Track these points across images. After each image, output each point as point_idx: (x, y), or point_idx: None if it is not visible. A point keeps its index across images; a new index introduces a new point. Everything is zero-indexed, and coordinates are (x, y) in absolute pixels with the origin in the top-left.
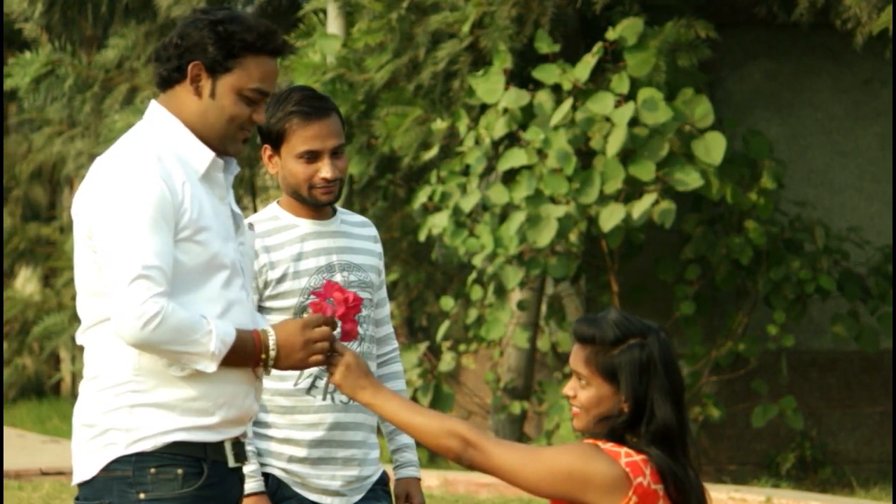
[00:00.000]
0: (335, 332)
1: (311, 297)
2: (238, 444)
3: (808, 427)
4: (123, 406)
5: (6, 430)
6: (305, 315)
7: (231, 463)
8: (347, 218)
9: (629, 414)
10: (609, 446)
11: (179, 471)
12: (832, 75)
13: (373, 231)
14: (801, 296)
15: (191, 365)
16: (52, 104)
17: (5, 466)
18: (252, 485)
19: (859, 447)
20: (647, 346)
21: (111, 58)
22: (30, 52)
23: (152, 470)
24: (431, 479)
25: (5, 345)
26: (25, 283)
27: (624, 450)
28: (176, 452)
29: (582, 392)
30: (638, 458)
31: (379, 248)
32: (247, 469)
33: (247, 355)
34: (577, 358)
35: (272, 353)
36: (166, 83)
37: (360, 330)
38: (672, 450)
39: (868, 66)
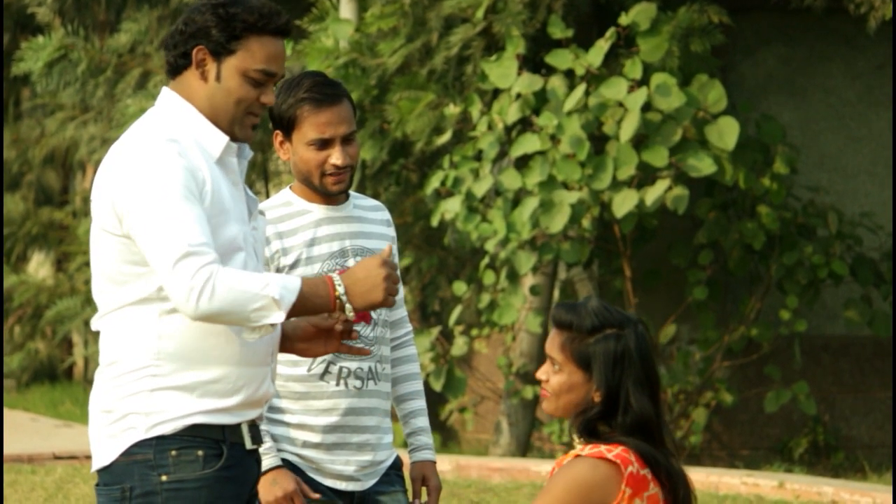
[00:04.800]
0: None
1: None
2: (254, 427)
3: (821, 412)
4: (143, 390)
5: (20, 414)
6: None
7: (248, 445)
8: (360, 202)
9: (602, 405)
10: (588, 450)
11: (200, 452)
12: (845, 60)
13: (386, 215)
14: (813, 281)
15: (262, 320)
16: (64, 89)
17: (19, 450)
18: (269, 460)
19: (872, 432)
20: (623, 338)
21: (124, 42)
22: (43, 36)
23: (173, 452)
24: (444, 464)
25: (17, 329)
26: (38, 267)
27: (603, 447)
28: (195, 435)
29: (554, 377)
30: (618, 449)
31: (392, 232)
32: (261, 448)
33: (321, 298)
34: (553, 343)
35: (341, 290)
36: (175, 70)
37: (373, 315)
38: (650, 440)
39: (881, 51)
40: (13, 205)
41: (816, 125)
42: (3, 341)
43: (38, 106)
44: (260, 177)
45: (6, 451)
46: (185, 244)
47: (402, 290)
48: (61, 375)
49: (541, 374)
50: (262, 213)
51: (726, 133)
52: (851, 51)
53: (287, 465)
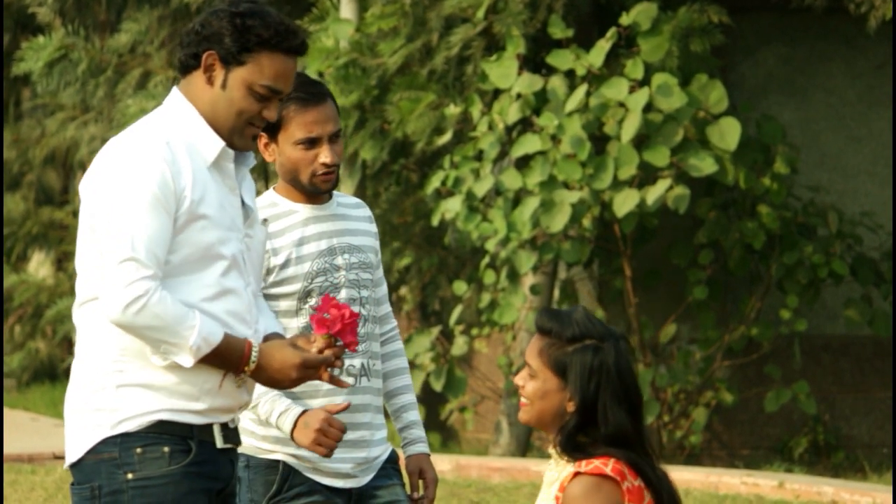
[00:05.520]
0: (338, 344)
1: (313, 310)
2: (227, 427)
3: (821, 412)
4: (109, 386)
5: (20, 414)
6: (311, 303)
7: (219, 444)
8: (343, 200)
9: (578, 415)
10: (585, 466)
11: (166, 449)
12: (846, 60)
13: (367, 212)
14: (814, 280)
15: (169, 356)
16: (65, 89)
17: (19, 450)
18: (294, 413)
19: (872, 431)
20: (602, 351)
21: (124, 42)
22: (43, 36)
23: (138, 450)
24: (444, 464)
25: (17, 329)
26: (38, 266)
27: (597, 461)
28: (161, 431)
29: (529, 383)
30: (611, 462)
31: (374, 228)
32: (282, 406)
33: (232, 362)
34: (532, 348)
35: (252, 366)
36: (185, 68)
37: (362, 311)
38: (631, 451)
39: (881, 50)
40: (14, 204)
41: (817, 125)
42: (3, 341)
43: (38, 106)
44: (260, 177)
45: (6, 450)
46: (131, 249)
47: (385, 285)
48: (61, 375)
49: (518, 379)
50: (265, 221)
51: (728, 133)
52: (852, 50)
53: (283, 466)
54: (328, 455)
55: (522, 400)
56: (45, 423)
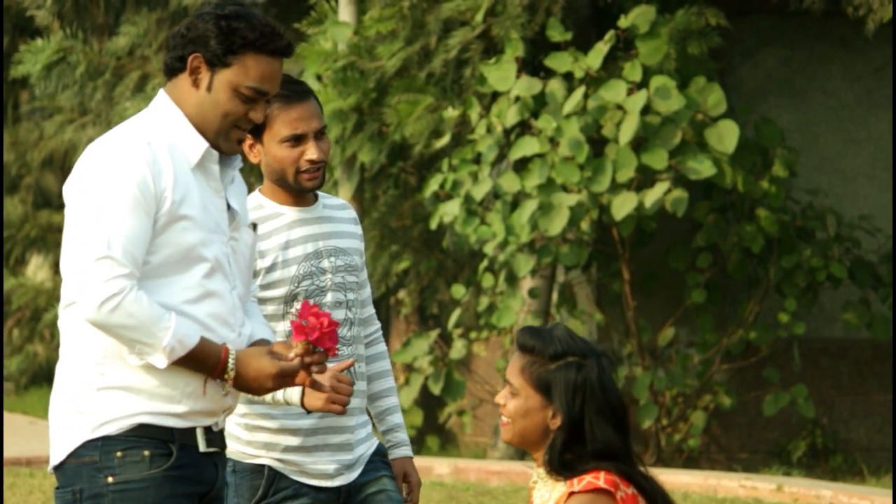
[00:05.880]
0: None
1: (294, 316)
2: (210, 431)
3: (820, 415)
4: (90, 389)
5: (18, 418)
6: (297, 307)
7: (202, 448)
8: (328, 202)
9: (564, 432)
10: (578, 484)
11: (146, 452)
12: (844, 63)
13: (352, 213)
14: (812, 284)
15: (144, 356)
16: (63, 91)
17: (17, 454)
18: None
19: (870, 435)
20: (585, 368)
21: (123, 45)
22: (41, 38)
23: (118, 453)
24: (442, 467)
25: (16, 332)
26: (37, 270)
27: (589, 477)
28: (142, 435)
29: (511, 401)
30: (603, 474)
31: (359, 229)
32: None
33: (207, 367)
34: (514, 367)
35: (231, 374)
36: (171, 71)
37: (348, 314)
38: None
39: (880, 53)
40: (12, 207)
41: (815, 128)
42: (2, 344)
43: (36, 109)
44: (258, 180)
45: (5, 454)
46: (107, 248)
47: (369, 287)
48: None
49: (499, 398)
50: (255, 225)
51: (726, 136)
52: (850, 53)
53: (269, 470)
54: (343, 412)
55: (503, 419)
56: (44, 427)
